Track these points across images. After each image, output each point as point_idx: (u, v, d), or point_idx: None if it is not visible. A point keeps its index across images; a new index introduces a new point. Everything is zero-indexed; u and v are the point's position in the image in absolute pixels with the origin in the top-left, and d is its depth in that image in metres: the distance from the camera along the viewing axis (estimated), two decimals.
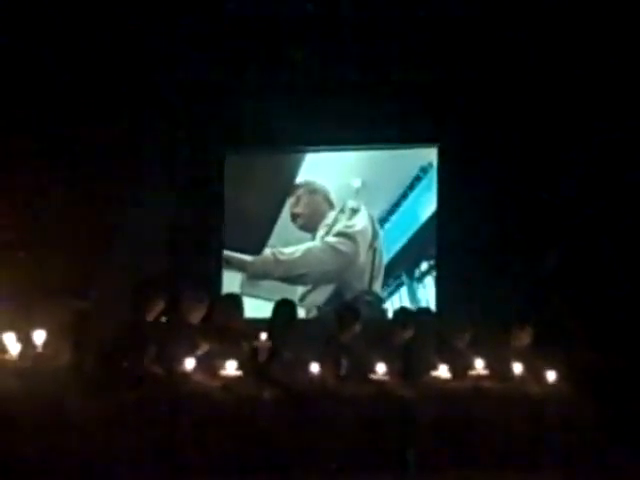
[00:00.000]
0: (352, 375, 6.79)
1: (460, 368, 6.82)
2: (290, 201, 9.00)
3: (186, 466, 6.06)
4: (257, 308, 8.14)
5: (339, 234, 8.98)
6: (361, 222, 8.98)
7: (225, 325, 6.84)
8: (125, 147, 7.99)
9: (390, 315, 8.36)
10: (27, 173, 7.60)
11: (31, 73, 7.68)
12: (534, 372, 6.88)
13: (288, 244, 9.03)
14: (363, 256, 8.97)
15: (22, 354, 6.04)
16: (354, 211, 8.97)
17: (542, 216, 8.30)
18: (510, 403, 6.68)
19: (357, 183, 8.91)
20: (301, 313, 8.35)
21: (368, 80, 8.19)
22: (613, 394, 7.10)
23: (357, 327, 7.13)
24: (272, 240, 9.02)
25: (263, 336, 6.72)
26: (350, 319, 7.18)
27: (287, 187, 9.00)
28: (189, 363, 6.29)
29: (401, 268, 8.96)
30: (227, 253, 8.92)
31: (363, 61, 8.04)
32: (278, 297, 7.49)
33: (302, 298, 8.93)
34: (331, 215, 9.02)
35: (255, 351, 6.70)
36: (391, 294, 8.95)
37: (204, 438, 6.15)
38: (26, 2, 7.38)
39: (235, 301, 7.13)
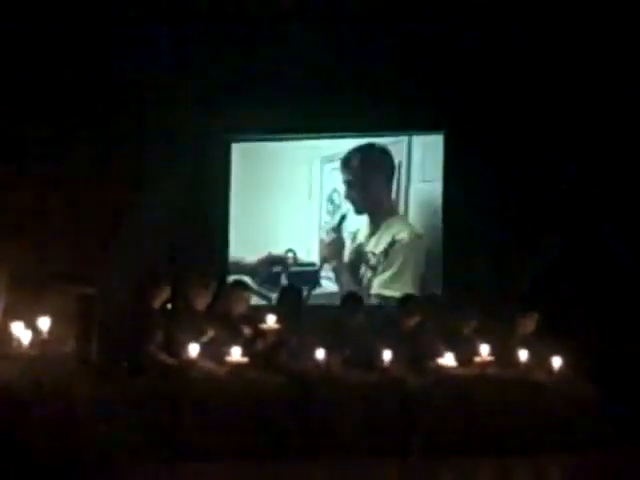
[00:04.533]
0: (358, 362, 6.80)
1: (466, 355, 6.83)
2: None
3: (190, 452, 6.08)
4: None
5: None
6: None
7: (230, 311, 6.86)
8: (128, 134, 7.99)
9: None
10: (32, 160, 7.62)
11: (34, 65, 7.71)
12: (539, 359, 6.89)
13: None
14: None
15: (28, 341, 6.07)
16: None
17: (547, 202, 8.28)
18: (515, 389, 6.70)
19: None
20: None
21: (372, 67, 8.16)
22: (617, 381, 7.11)
23: (361, 313, 7.16)
24: None
25: (271, 319, 6.74)
26: (354, 305, 7.21)
27: None
28: (194, 349, 6.31)
29: None
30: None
31: (367, 47, 8.01)
32: None
33: None
34: None
35: (258, 335, 6.72)
36: None
37: (209, 424, 6.18)
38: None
39: (242, 287, 7.15)
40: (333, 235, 8.51)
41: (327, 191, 8.57)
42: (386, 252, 8.50)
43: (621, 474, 6.28)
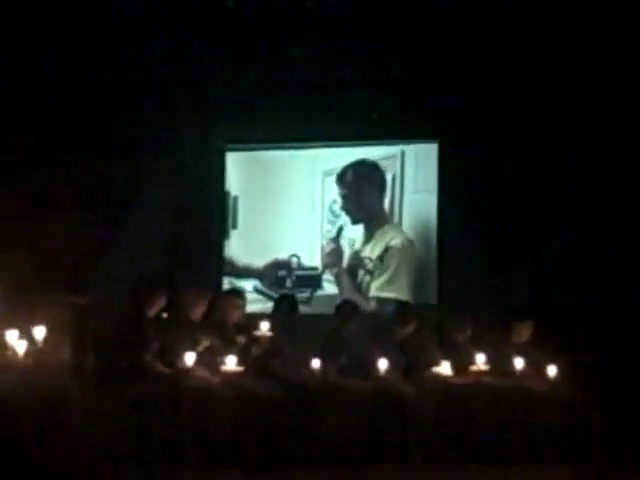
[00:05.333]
0: (353, 371, 6.79)
1: (461, 363, 6.82)
2: None
3: (186, 462, 6.07)
4: None
5: None
6: None
7: (225, 320, 6.85)
8: (126, 144, 8.01)
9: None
10: (28, 169, 7.63)
11: (33, 71, 7.72)
12: (535, 367, 6.87)
13: None
14: None
15: (23, 350, 6.06)
16: None
17: (543, 210, 8.30)
18: (511, 398, 6.69)
19: None
20: None
21: (368, 76, 8.18)
22: (614, 389, 7.11)
23: (356, 321, 7.16)
24: None
25: (264, 325, 6.75)
26: (349, 313, 7.21)
27: None
28: (190, 359, 6.29)
29: None
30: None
31: (363, 57, 8.03)
32: None
33: None
34: None
35: (252, 341, 6.71)
36: None
37: (205, 434, 6.16)
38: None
39: (237, 296, 7.14)
40: (332, 245, 8.99)
41: (328, 201, 9.10)
42: (381, 257, 8.92)
43: None
